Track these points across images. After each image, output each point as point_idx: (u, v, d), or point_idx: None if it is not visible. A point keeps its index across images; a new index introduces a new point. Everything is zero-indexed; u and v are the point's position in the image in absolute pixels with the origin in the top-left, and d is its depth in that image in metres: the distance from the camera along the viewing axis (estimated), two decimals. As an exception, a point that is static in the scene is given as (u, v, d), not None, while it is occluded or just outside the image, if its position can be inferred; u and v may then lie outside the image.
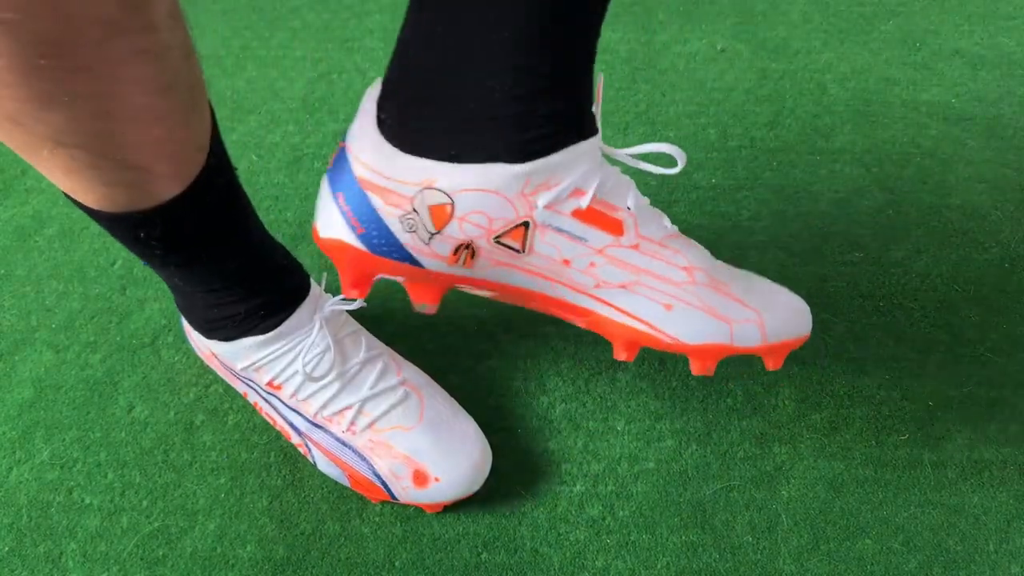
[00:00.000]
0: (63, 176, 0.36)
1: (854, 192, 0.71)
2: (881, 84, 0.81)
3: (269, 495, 0.52)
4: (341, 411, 0.50)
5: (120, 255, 0.66)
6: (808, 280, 0.64)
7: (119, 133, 0.33)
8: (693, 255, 0.41)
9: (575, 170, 0.36)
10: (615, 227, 0.39)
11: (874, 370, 0.58)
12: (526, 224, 0.37)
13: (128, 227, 0.39)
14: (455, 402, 0.53)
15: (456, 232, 0.37)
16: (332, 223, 0.39)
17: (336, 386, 0.50)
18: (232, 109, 0.79)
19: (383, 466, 0.49)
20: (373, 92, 0.37)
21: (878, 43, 0.86)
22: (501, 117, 0.34)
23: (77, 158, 0.34)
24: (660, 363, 0.59)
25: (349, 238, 0.38)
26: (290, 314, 0.49)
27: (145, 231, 0.39)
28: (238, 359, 0.51)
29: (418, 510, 0.51)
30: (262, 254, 0.49)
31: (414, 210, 0.37)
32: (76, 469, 0.54)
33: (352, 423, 0.50)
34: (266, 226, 0.70)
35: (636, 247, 0.40)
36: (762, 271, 0.52)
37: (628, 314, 0.41)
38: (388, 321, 0.61)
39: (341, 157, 0.38)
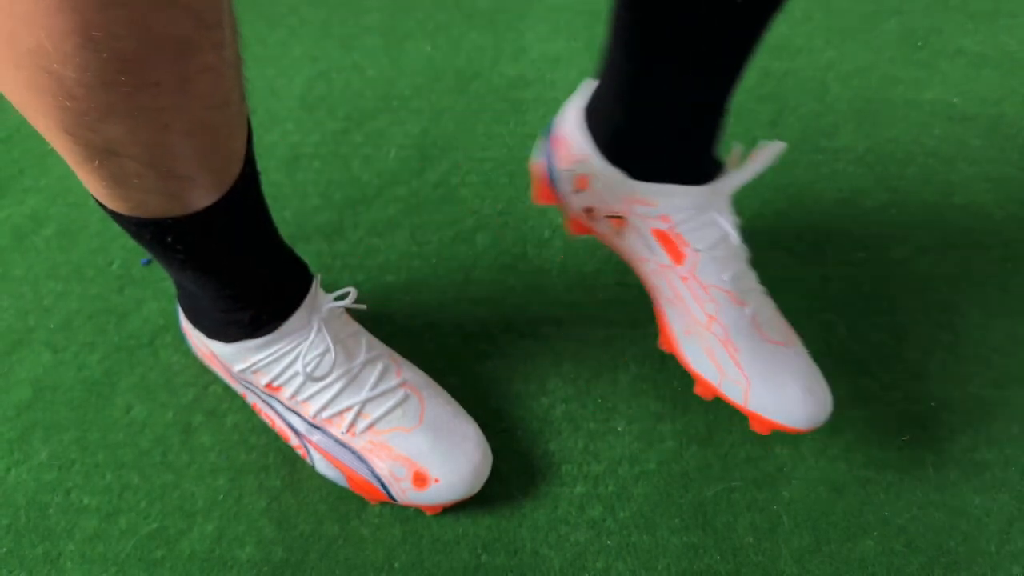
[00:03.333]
0: (103, 184, 0.36)
1: (856, 191, 0.70)
2: (883, 83, 0.81)
3: (268, 496, 0.52)
4: (341, 413, 0.50)
5: (118, 255, 0.66)
6: (810, 280, 0.63)
7: (173, 145, 0.34)
8: (726, 314, 0.48)
9: (667, 201, 0.47)
10: (677, 256, 0.49)
11: (876, 370, 0.58)
12: (621, 216, 0.51)
13: (157, 233, 0.40)
14: (456, 403, 0.53)
15: (585, 199, 0.53)
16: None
17: (337, 387, 0.50)
18: (231, 108, 0.79)
19: (382, 468, 0.49)
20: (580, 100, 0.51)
21: (880, 41, 0.85)
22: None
23: (126, 168, 0.34)
24: (661, 363, 0.59)
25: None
26: (289, 316, 0.49)
27: (173, 237, 0.40)
28: (237, 361, 0.51)
29: (417, 511, 0.51)
30: (276, 262, 0.49)
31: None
32: (74, 470, 0.54)
33: (352, 425, 0.50)
34: (265, 225, 0.69)
35: (684, 279, 0.49)
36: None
37: (668, 319, 0.53)
38: (388, 322, 0.61)
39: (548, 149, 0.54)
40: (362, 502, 0.52)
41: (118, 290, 0.64)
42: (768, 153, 0.46)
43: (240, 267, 0.46)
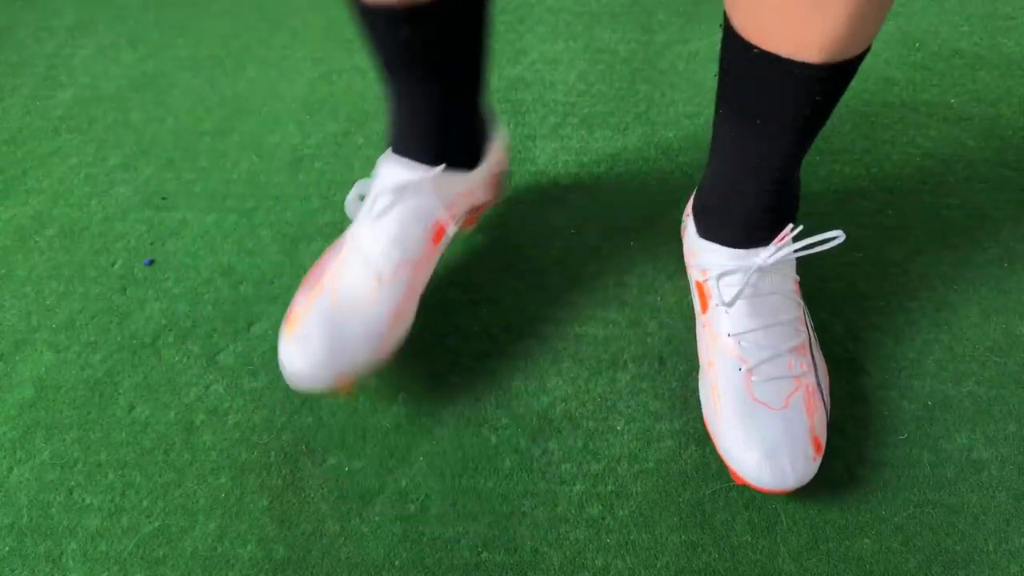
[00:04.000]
0: None
1: (853, 192, 0.71)
2: (880, 84, 0.81)
3: (269, 495, 0.52)
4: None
5: (120, 256, 0.67)
6: (807, 280, 0.64)
7: None
8: (722, 364, 0.53)
9: (706, 257, 0.56)
10: (704, 306, 0.56)
11: (873, 370, 0.59)
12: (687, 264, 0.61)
13: (388, 23, 0.46)
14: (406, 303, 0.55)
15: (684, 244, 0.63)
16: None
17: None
18: (233, 110, 0.79)
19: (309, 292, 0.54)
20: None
21: (877, 43, 0.86)
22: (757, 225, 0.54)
23: None
24: (660, 363, 0.59)
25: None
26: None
27: (401, 29, 0.46)
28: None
29: (419, 510, 0.52)
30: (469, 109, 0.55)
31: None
32: (76, 469, 0.54)
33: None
34: (266, 226, 0.70)
35: (704, 327, 0.56)
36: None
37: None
38: (388, 321, 0.62)
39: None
40: (363, 500, 0.52)
41: (120, 290, 0.64)
42: (816, 240, 0.51)
43: (442, 92, 0.51)
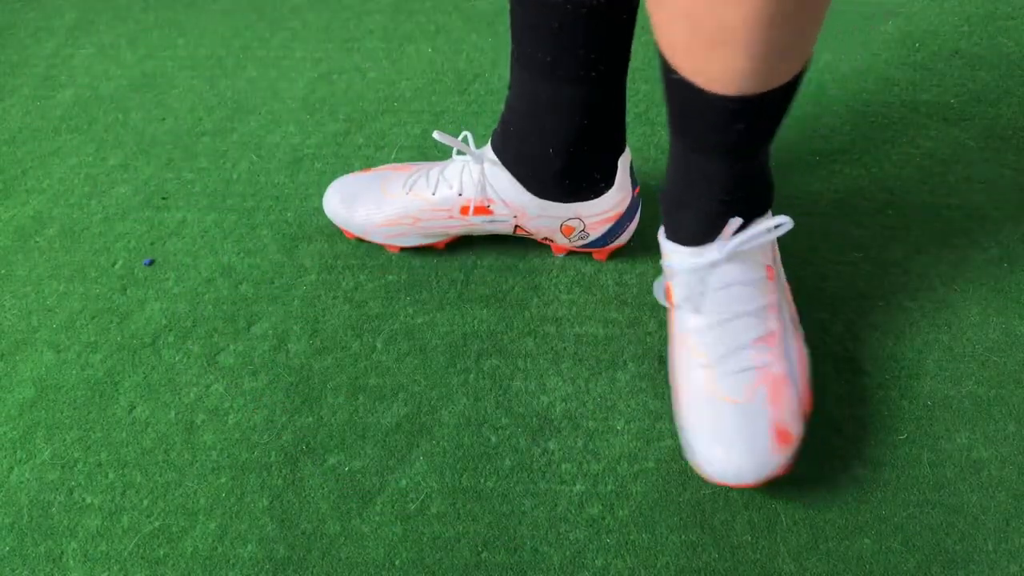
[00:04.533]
0: None
1: (853, 192, 0.71)
2: (880, 85, 0.81)
3: (269, 495, 0.52)
4: None
5: (120, 256, 0.67)
6: (807, 279, 0.64)
7: None
8: (680, 359, 0.54)
9: (670, 258, 0.55)
10: (672, 306, 0.56)
11: (872, 369, 0.59)
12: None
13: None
14: None
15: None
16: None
17: None
18: (233, 109, 0.79)
19: None
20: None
21: (877, 44, 0.86)
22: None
23: None
24: (660, 363, 0.59)
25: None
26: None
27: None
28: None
29: (418, 509, 0.52)
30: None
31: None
32: (77, 469, 0.54)
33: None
34: (266, 226, 0.70)
35: (671, 326, 0.56)
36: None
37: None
38: (390, 319, 0.62)
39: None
40: (364, 500, 0.52)
41: (121, 290, 0.64)
42: (763, 227, 0.51)
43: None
